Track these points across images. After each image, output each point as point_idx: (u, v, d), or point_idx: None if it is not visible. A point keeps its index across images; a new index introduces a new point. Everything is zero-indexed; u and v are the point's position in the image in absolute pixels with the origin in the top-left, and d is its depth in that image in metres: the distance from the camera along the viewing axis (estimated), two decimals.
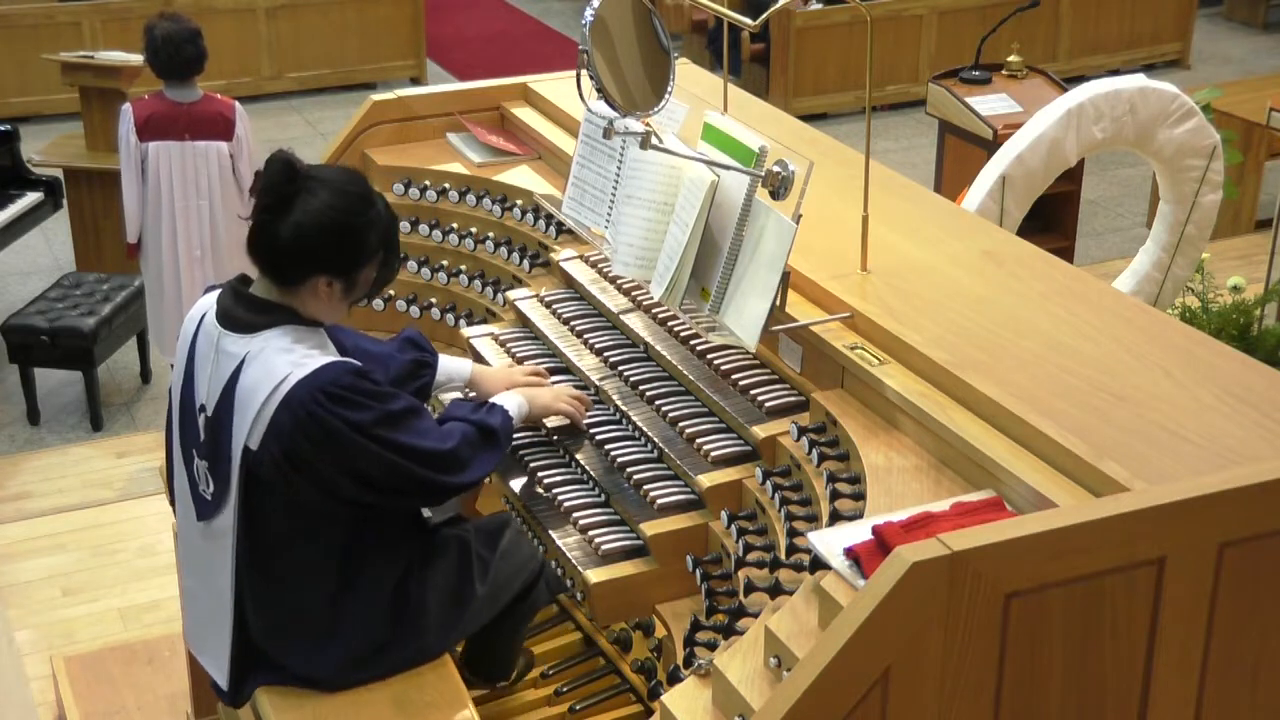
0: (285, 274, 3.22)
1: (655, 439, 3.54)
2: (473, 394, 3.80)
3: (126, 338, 7.35)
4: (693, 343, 3.71)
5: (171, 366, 6.70)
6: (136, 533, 5.88)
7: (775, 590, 2.96)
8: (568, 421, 3.72)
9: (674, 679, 3.08)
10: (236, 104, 6.52)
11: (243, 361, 3.19)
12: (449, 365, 3.76)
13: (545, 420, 3.74)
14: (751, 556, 3.17)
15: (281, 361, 3.16)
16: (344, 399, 3.14)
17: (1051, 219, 7.44)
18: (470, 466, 3.33)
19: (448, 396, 3.88)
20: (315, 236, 3.17)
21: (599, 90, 3.60)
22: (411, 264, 4.58)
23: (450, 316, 4.49)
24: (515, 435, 3.71)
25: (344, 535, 3.26)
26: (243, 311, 3.24)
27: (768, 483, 3.28)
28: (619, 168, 3.90)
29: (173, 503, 3.55)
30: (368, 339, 3.64)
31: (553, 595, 3.68)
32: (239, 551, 3.27)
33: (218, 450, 3.23)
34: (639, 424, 3.60)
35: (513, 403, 3.57)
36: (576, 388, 3.85)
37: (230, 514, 3.24)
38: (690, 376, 3.63)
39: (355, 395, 3.15)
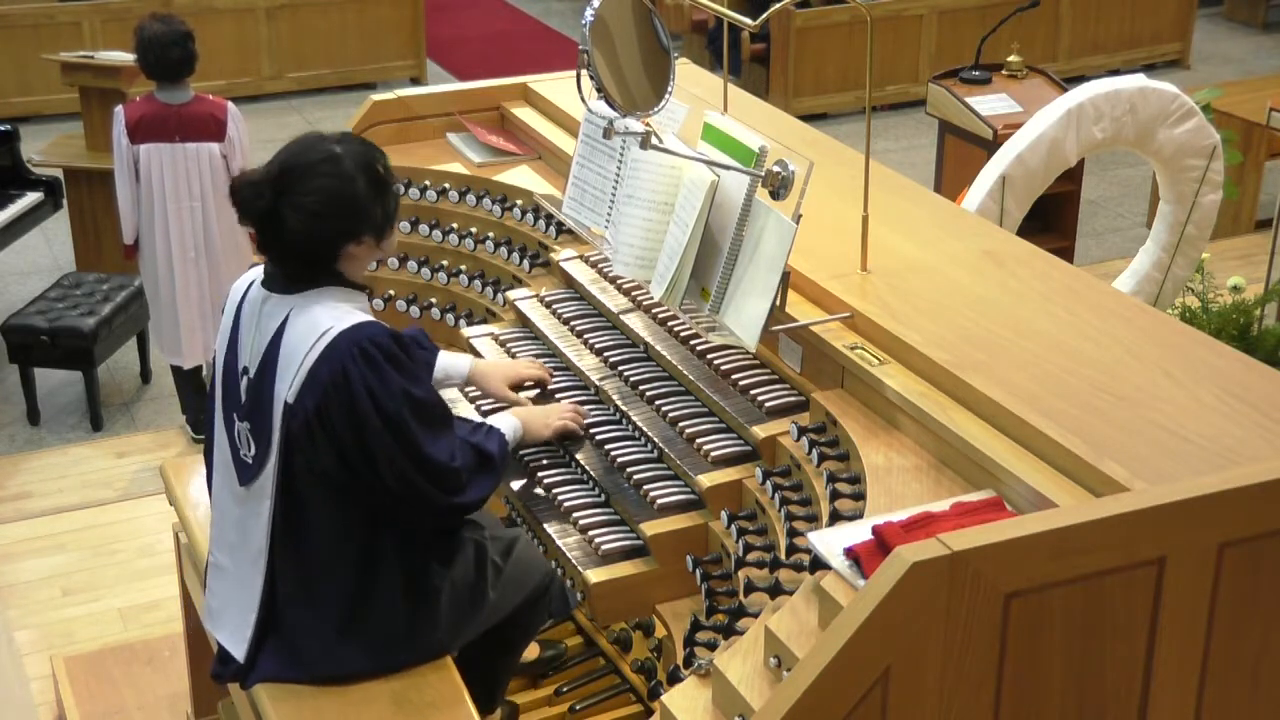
0: (321, 261, 3.26)
1: (655, 439, 3.54)
2: (473, 390, 3.80)
3: (126, 338, 7.34)
4: (693, 343, 3.71)
5: (170, 366, 6.78)
6: (136, 533, 5.87)
7: (775, 590, 2.96)
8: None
9: (674, 679, 3.07)
10: (229, 104, 6.50)
11: (287, 318, 3.24)
12: (448, 362, 3.77)
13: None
14: (751, 556, 3.17)
15: (325, 316, 3.21)
16: (374, 361, 3.16)
17: (1051, 219, 7.43)
18: (468, 489, 3.33)
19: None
20: (320, 222, 3.20)
21: (599, 90, 3.60)
22: (411, 264, 4.58)
23: (450, 316, 4.49)
24: None
25: (370, 519, 3.27)
26: (289, 274, 3.29)
27: (768, 483, 3.28)
28: (619, 168, 3.90)
29: (209, 491, 3.55)
30: None
31: (553, 616, 3.65)
32: (275, 513, 3.28)
33: (259, 409, 3.26)
34: (639, 424, 3.60)
35: (509, 426, 3.57)
36: (576, 388, 3.86)
37: (270, 474, 3.26)
38: (690, 376, 3.63)
39: (385, 360, 3.18)
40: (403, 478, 3.21)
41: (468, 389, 3.92)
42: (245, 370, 3.31)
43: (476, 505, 3.39)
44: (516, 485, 3.68)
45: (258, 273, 3.38)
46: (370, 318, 3.26)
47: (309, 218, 3.18)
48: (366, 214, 3.24)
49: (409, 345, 3.27)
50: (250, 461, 3.31)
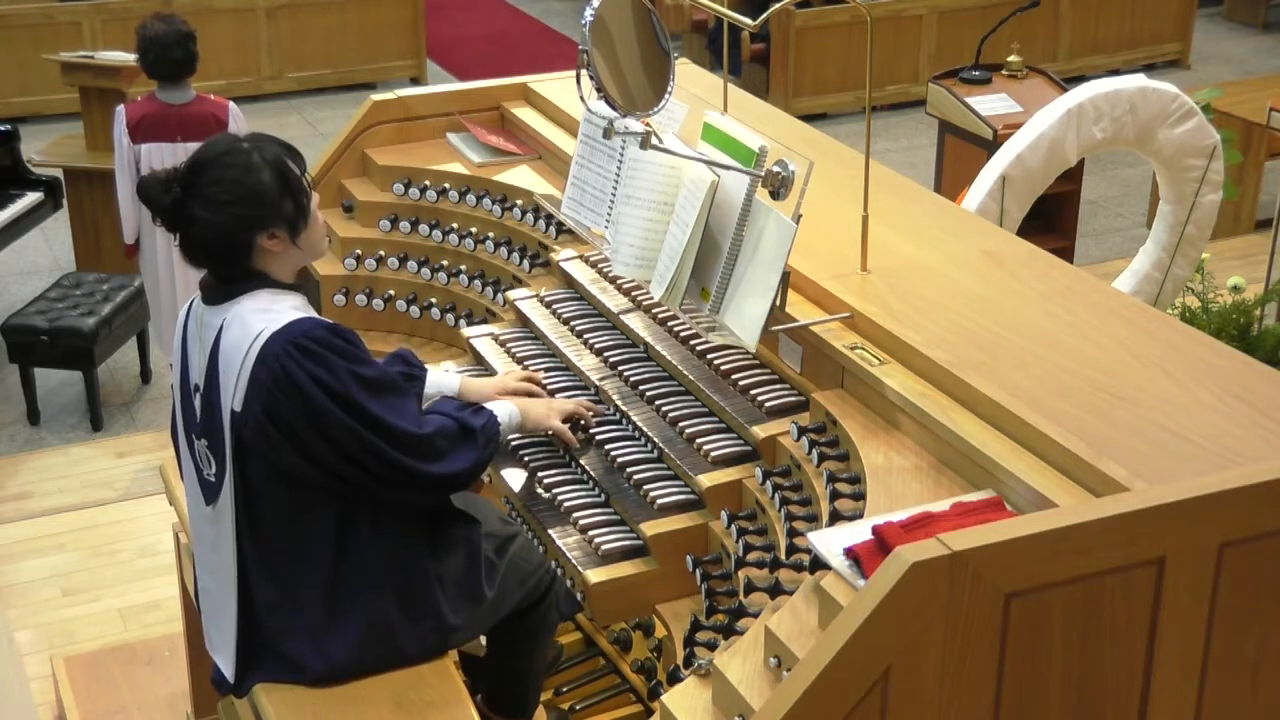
0: (233, 255, 3.26)
1: (655, 439, 3.54)
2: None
3: (126, 338, 7.35)
4: (693, 343, 3.71)
5: (171, 366, 6.77)
6: (136, 533, 5.88)
7: (775, 590, 2.96)
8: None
9: (674, 679, 3.08)
10: (231, 104, 6.50)
11: (222, 327, 3.23)
12: (438, 379, 3.74)
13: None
14: (751, 556, 3.17)
15: (257, 319, 3.20)
16: (313, 353, 3.15)
17: (1051, 219, 7.43)
18: (446, 458, 3.29)
19: None
20: (227, 212, 3.20)
21: (599, 90, 3.60)
22: (411, 264, 4.58)
23: (450, 316, 4.49)
24: (514, 437, 3.71)
25: (339, 511, 3.25)
26: (215, 276, 3.30)
27: (768, 483, 3.28)
28: (619, 168, 3.90)
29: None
30: None
31: (564, 616, 3.65)
32: (239, 527, 3.27)
33: (212, 424, 3.26)
34: (639, 424, 3.60)
35: (504, 410, 3.55)
36: (576, 388, 3.85)
37: (229, 487, 3.25)
38: (690, 376, 3.63)
39: (325, 350, 3.16)
40: (376, 455, 3.19)
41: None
42: (197, 387, 3.31)
43: (461, 477, 3.35)
44: (516, 485, 3.68)
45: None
46: (304, 314, 3.23)
47: (214, 208, 3.19)
48: (274, 206, 3.23)
49: (347, 334, 3.24)
50: (213, 479, 3.30)
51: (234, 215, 3.20)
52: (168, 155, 6.35)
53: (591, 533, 3.47)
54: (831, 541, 2.75)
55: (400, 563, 3.31)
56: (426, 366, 3.74)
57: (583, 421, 3.69)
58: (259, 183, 3.22)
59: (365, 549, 3.28)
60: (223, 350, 3.22)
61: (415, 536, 3.34)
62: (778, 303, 3.38)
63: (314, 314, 3.27)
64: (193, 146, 6.28)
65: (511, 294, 4.26)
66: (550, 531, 3.54)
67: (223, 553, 3.32)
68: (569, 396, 3.80)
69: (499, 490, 3.75)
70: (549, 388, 3.85)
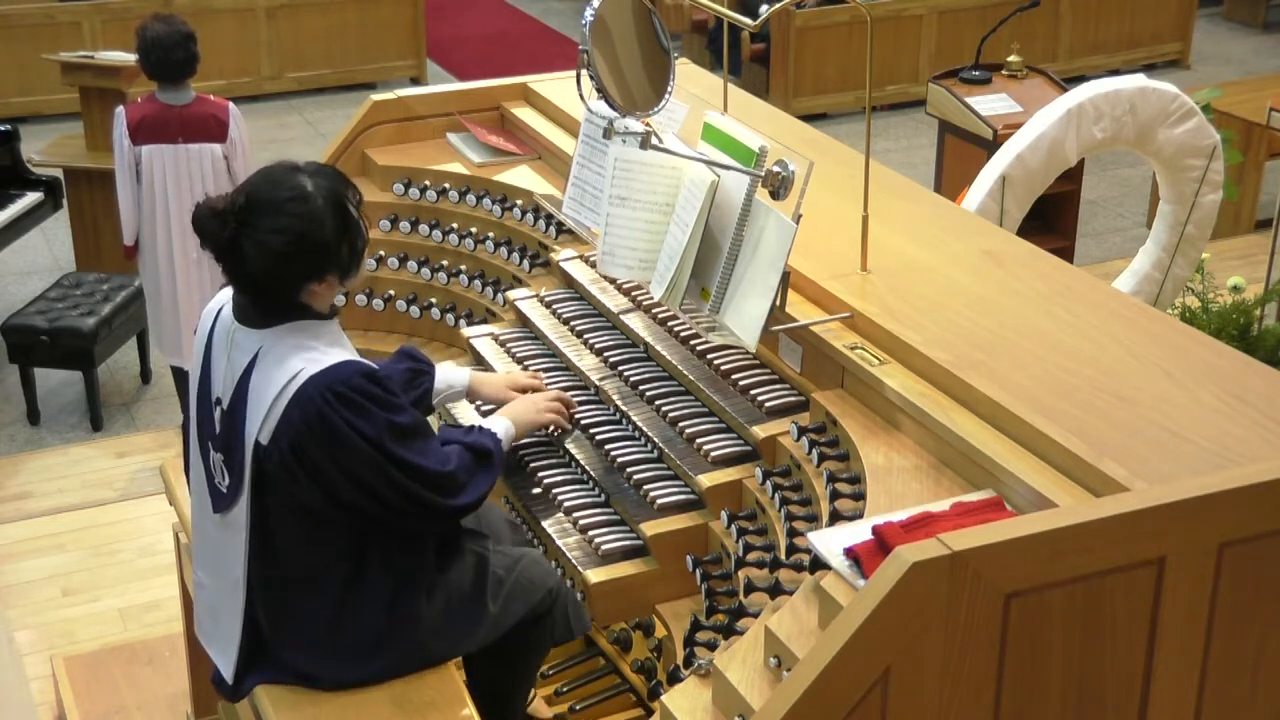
0: (281, 297, 3.22)
1: (655, 439, 3.54)
2: (477, 401, 3.81)
3: (126, 338, 7.34)
4: (693, 343, 3.72)
5: (171, 367, 6.78)
6: (136, 533, 5.87)
7: (775, 590, 2.96)
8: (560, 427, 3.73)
9: (674, 679, 3.08)
10: (230, 105, 6.50)
11: (256, 356, 3.21)
12: (447, 373, 3.76)
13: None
14: (751, 556, 3.17)
15: (295, 358, 3.17)
16: (352, 402, 3.14)
17: (1051, 219, 7.44)
18: (467, 489, 3.32)
19: (456, 409, 3.90)
20: (284, 263, 3.15)
21: (599, 90, 3.60)
22: (411, 264, 4.58)
23: (450, 316, 4.49)
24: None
25: (353, 540, 3.26)
26: (256, 307, 3.24)
27: (768, 483, 3.28)
28: None
29: (189, 492, 3.55)
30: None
31: (557, 640, 3.61)
32: (251, 545, 3.28)
33: (232, 443, 3.25)
34: (639, 424, 3.60)
35: (501, 427, 3.56)
36: (576, 388, 3.86)
37: (244, 508, 3.25)
38: (690, 376, 3.63)
39: (364, 400, 3.15)
40: (406, 494, 3.20)
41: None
42: (219, 401, 3.29)
43: (478, 503, 3.38)
44: (517, 486, 3.68)
45: (227, 296, 3.33)
46: (342, 355, 3.20)
47: (273, 258, 3.13)
48: (333, 256, 3.19)
49: (385, 381, 3.23)
50: (225, 491, 3.30)
51: (293, 268, 3.16)
52: (168, 157, 6.34)
53: (592, 533, 3.47)
54: (831, 541, 2.75)
55: (404, 587, 3.32)
56: (434, 364, 3.75)
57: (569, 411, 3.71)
58: (320, 234, 3.15)
59: (374, 580, 3.29)
60: (255, 379, 3.19)
61: (424, 558, 3.35)
62: (778, 303, 3.38)
63: (353, 354, 3.25)
64: (193, 148, 6.36)
65: (511, 294, 4.26)
66: (550, 531, 3.54)
67: (228, 563, 3.33)
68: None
69: (499, 490, 3.75)
70: (549, 389, 3.85)
